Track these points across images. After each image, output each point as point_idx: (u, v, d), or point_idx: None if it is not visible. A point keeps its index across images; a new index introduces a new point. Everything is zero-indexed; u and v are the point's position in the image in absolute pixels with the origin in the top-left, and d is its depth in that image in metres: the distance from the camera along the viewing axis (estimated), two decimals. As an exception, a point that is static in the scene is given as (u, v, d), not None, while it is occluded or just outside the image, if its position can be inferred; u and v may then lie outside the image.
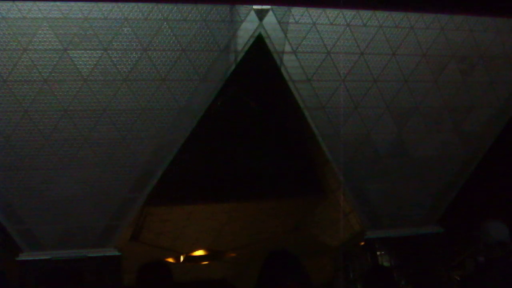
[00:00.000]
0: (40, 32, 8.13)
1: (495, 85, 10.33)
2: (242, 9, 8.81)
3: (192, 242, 11.95)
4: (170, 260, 12.24)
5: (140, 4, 8.37)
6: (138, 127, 8.78)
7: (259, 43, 8.98)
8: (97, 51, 8.37)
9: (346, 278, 11.27)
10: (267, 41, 8.99)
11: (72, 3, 8.14)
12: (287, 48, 9.07)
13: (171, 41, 8.60)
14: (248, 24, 8.85)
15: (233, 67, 8.89)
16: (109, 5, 8.28)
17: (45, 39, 8.17)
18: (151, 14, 8.44)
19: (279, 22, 8.97)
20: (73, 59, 8.33)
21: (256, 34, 8.91)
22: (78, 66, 8.36)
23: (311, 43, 9.16)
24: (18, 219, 8.70)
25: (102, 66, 8.44)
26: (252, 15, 8.85)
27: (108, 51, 8.40)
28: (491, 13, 9.82)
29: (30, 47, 8.15)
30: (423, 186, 10.33)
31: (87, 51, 8.35)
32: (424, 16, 9.61)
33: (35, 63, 8.20)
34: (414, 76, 9.76)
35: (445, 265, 10.58)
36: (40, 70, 8.24)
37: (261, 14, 8.88)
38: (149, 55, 8.55)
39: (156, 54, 8.58)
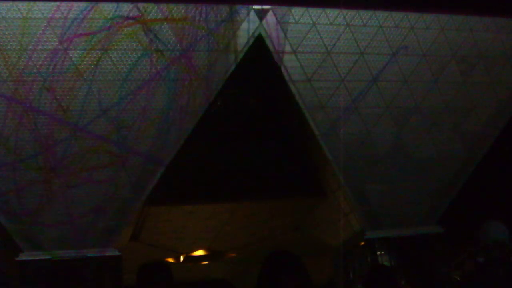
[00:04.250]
0: (40, 32, 8.12)
1: (495, 85, 10.34)
2: (242, 9, 8.81)
3: (192, 242, 11.94)
4: (170, 260, 12.23)
5: (140, 4, 8.37)
6: (138, 127, 8.77)
7: (259, 43, 8.98)
8: (98, 51, 8.36)
9: (346, 278, 11.26)
10: (267, 41, 8.99)
11: (72, 3, 8.14)
12: (287, 48, 9.07)
13: (171, 41, 8.59)
14: (248, 24, 8.85)
15: (233, 67, 8.89)
16: (109, 5, 8.27)
17: (45, 39, 8.17)
18: (151, 14, 8.43)
19: (279, 22, 8.98)
20: (73, 59, 8.32)
21: (256, 34, 8.91)
22: (78, 66, 8.35)
23: (311, 43, 9.16)
24: (18, 219, 8.69)
25: (102, 66, 8.43)
26: (252, 15, 8.85)
27: (109, 51, 8.39)
28: (491, 13, 9.83)
29: (30, 47, 8.14)
30: (423, 186, 10.34)
31: (87, 51, 8.34)
32: (424, 16, 9.62)
33: (35, 63, 8.19)
34: (414, 76, 9.77)
35: (445, 265, 10.58)
36: (40, 70, 8.23)
37: (261, 14, 8.88)
38: (149, 55, 8.55)
39: (156, 54, 8.57)
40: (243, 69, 9.06)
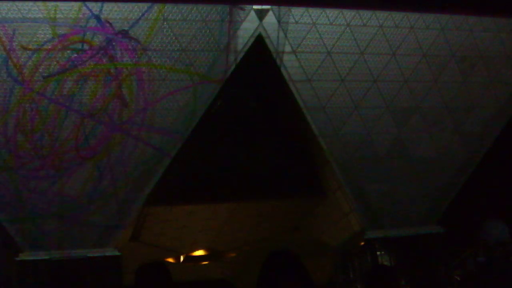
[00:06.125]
0: (40, 32, 8.13)
1: (495, 85, 10.34)
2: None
3: (192, 242, 11.95)
4: (170, 260, 12.24)
5: (140, 4, 8.37)
6: (139, 127, 8.77)
7: (259, 43, 8.98)
8: (98, 52, 8.37)
9: (346, 278, 11.26)
10: (267, 41, 8.99)
11: (72, 3, 8.14)
12: (287, 48, 9.07)
13: (171, 41, 8.60)
14: (248, 24, 8.85)
15: (233, 67, 8.89)
16: (110, 5, 8.27)
17: (45, 39, 8.17)
18: (151, 14, 8.43)
19: (279, 22, 8.97)
20: (73, 59, 8.32)
21: (256, 34, 8.91)
22: (79, 66, 8.35)
23: (311, 43, 9.16)
24: (18, 219, 8.69)
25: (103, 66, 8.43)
26: (252, 15, 8.85)
27: (109, 51, 8.39)
28: (491, 13, 9.83)
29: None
30: (423, 186, 10.34)
31: (88, 52, 8.35)
32: (424, 16, 9.62)
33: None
34: (414, 76, 9.77)
35: (445, 265, 10.58)
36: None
37: (261, 14, 8.88)
38: (149, 55, 8.55)
39: (156, 54, 8.58)
40: (243, 69, 9.06)
